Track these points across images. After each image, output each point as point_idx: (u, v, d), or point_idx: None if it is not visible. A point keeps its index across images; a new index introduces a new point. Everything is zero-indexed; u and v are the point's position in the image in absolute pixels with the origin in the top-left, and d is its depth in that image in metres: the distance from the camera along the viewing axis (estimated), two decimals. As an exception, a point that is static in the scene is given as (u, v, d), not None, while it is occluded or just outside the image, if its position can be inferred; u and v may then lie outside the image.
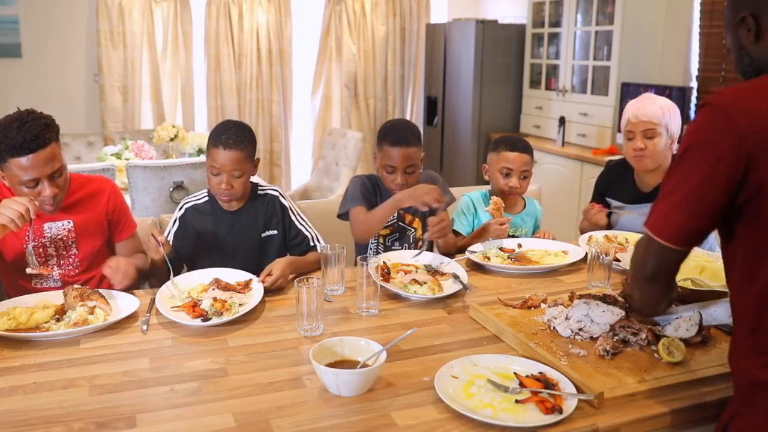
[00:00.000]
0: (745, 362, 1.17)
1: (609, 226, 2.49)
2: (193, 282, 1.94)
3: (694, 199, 1.14)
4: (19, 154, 1.77)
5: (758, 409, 1.15)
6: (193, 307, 1.75)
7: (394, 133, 2.24)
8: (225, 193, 2.07)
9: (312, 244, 2.22)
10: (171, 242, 2.08)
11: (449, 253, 2.29)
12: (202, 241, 2.15)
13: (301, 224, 2.23)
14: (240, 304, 1.79)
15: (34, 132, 1.77)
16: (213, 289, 1.85)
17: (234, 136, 2.05)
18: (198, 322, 1.69)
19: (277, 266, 1.96)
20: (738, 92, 1.14)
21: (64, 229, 2.00)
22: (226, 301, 1.77)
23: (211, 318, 1.70)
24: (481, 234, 2.34)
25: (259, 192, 2.21)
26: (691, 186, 1.14)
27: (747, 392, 1.17)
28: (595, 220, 2.45)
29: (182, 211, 2.18)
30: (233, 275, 1.96)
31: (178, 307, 1.77)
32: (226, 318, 1.70)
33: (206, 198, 2.19)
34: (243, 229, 2.15)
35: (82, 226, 2.03)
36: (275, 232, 2.19)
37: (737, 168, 1.10)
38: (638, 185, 2.44)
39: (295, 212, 2.24)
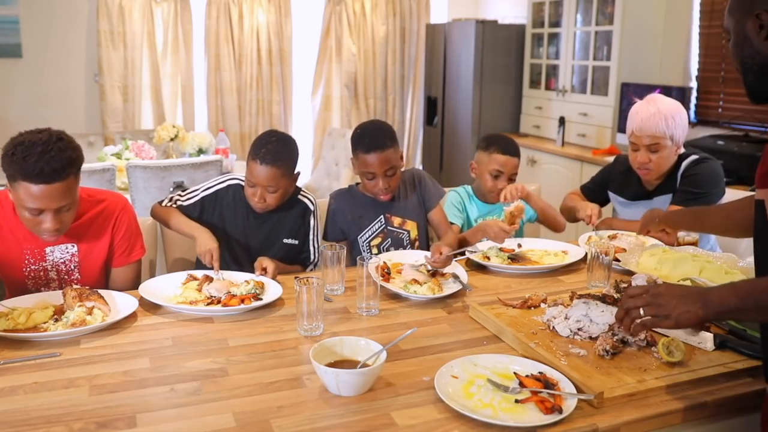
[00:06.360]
0: None
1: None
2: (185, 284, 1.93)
3: None
4: (32, 181, 1.64)
5: None
6: (231, 298, 1.81)
7: (366, 138, 2.18)
8: (258, 206, 2.07)
9: (310, 261, 2.23)
10: (200, 205, 2.11)
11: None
12: (225, 225, 2.12)
13: (313, 242, 2.23)
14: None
15: (55, 165, 1.63)
16: (207, 284, 1.86)
17: (273, 151, 2.01)
18: (256, 304, 1.77)
19: (267, 260, 1.98)
20: None
21: (67, 252, 1.90)
22: (262, 283, 1.86)
23: (262, 298, 1.81)
24: (477, 233, 2.33)
25: (298, 197, 2.20)
26: None
27: None
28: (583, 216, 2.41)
29: (224, 184, 2.15)
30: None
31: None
32: (266, 300, 1.80)
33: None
34: (270, 229, 2.14)
35: (87, 251, 1.92)
36: (296, 242, 2.19)
37: None
38: (644, 183, 2.43)
39: (315, 229, 2.23)
